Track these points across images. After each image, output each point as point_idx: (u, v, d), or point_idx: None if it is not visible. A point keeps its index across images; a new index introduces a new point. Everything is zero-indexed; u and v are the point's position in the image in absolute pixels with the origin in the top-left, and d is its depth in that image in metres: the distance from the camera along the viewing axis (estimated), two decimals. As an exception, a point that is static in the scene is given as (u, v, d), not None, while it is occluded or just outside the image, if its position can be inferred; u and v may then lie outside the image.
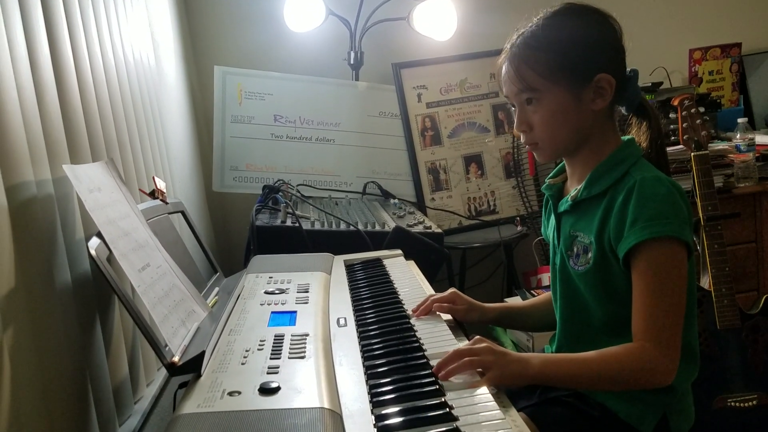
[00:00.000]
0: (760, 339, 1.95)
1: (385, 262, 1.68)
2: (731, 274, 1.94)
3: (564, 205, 1.19)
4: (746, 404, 1.94)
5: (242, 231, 2.48)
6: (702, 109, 2.07)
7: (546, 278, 2.42)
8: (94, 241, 0.95)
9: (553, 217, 1.25)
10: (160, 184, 1.35)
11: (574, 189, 1.18)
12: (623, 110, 1.18)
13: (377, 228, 1.91)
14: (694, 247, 1.12)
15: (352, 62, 2.57)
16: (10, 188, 0.87)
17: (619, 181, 1.10)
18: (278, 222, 1.86)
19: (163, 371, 1.37)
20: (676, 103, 2.02)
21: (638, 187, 1.06)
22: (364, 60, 2.58)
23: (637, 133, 1.17)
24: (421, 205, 2.54)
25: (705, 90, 2.68)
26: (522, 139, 1.21)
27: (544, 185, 1.27)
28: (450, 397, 0.90)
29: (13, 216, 0.87)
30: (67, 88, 1.11)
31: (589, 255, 1.13)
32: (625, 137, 1.18)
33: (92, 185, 1.04)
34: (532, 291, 2.34)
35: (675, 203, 1.05)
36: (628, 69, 1.15)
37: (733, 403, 1.94)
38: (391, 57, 2.64)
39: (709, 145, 2.05)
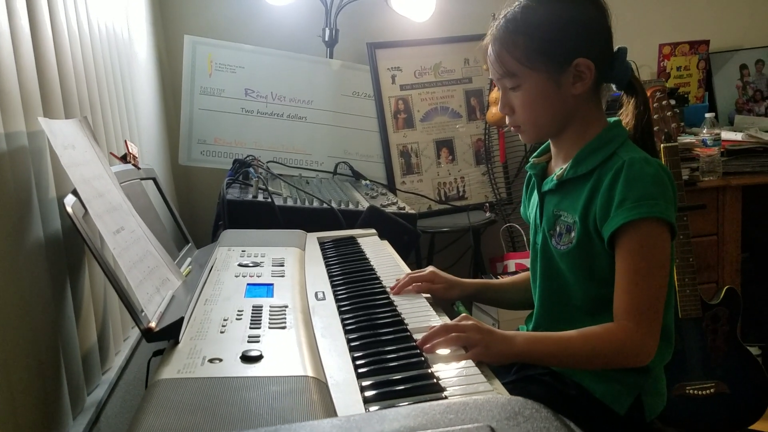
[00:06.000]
0: (719, 329, 2.01)
1: (360, 240, 1.66)
2: (694, 264, 1.98)
3: (548, 184, 1.19)
4: (704, 392, 1.99)
5: (208, 206, 2.43)
6: (673, 102, 2.11)
7: (512, 265, 2.44)
8: (70, 199, 0.91)
9: (535, 196, 1.25)
10: (133, 149, 1.30)
11: (559, 168, 1.18)
12: (614, 87, 1.18)
13: (350, 207, 1.89)
14: (678, 229, 1.13)
15: (326, 39, 2.52)
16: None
17: (607, 161, 1.11)
18: (250, 197, 1.82)
19: (131, 341, 1.33)
20: (648, 94, 2.05)
21: (627, 168, 1.06)
22: (339, 38, 2.54)
23: (626, 111, 1.18)
24: (391, 188, 2.52)
25: (672, 85, 2.73)
26: (507, 120, 1.21)
27: (528, 164, 1.27)
28: (435, 368, 0.89)
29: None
30: (42, 41, 1.05)
31: (572, 234, 1.13)
32: (611, 119, 1.18)
33: (67, 142, 0.99)
34: (498, 277, 2.35)
35: (663, 184, 1.06)
36: (616, 47, 1.15)
37: (691, 391, 1.99)
38: (367, 36, 2.61)
39: (678, 138, 2.09)
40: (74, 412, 1.03)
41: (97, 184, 1.03)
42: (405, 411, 0.54)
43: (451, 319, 1.03)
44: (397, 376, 0.86)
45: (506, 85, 1.16)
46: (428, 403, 0.55)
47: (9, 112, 0.90)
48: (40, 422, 0.90)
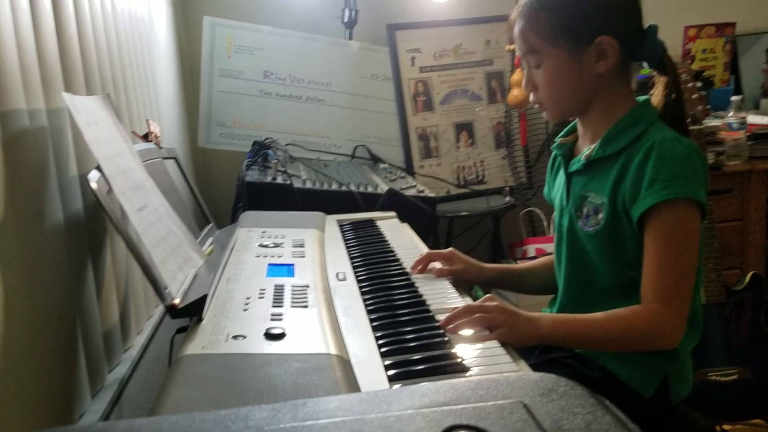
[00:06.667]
0: (743, 315, 1.98)
1: (379, 223, 1.65)
2: (719, 249, 1.95)
3: (576, 164, 1.17)
4: (726, 378, 1.96)
5: (226, 188, 2.43)
6: (699, 84, 2.07)
7: (532, 250, 2.42)
8: (94, 174, 0.90)
9: (561, 177, 1.23)
10: (155, 128, 1.29)
11: (587, 148, 1.15)
12: (646, 65, 1.15)
13: (369, 190, 1.88)
14: (708, 211, 1.11)
15: (345, 20, 2.50)
16: (2, 115, 0.81)
17: (636, 140, 1.08)
18: (269, 179, 1.82)
19: (153, 321, 1.33)
20: (674, 76, 2.01)
21: (657, 147, 1.04)
22: (359, 19, 2.52)
23: (656, 91, 1.15)
24: (410, 172, 2.50)
25: (697, 68, 2.68)
26: (530, 98, 1.19)
27: (554, 144, 1.24)
28: (458, 348, 0.88)
29: (4, 144, 0.81)
30: (63, 19, 1.05)
31: (600, 216, 1.11)
32: (640, 97, 1.15)
33: (90, 118, 0.98)
34: (517, 262, 2.33)
35: (694, 164, 1.04)
36: (646, 25, 1.13)
37: (713, 377, 1.97)
38: (386, 17, 2.58)
39: (704, 121, 2.05)
40: (93, 389, 1.03)
41: (120, 162, 1.02)
42: (434, 386, 0.53)
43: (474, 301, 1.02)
44: (420, 356, 0.86)
45: (530, 62, 1.15)
46: (458, 379, 0.54)
47: (29, 90, 0.90)
48: (57, 399, 0.90)
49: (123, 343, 1.17)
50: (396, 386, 0.78)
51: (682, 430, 1.13)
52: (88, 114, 0.99)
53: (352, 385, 0.75)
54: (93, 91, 1.15)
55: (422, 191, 1.94)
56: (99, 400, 1.04)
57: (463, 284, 1.23)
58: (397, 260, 1.30)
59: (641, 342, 1.04)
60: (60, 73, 1.02)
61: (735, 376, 1.96)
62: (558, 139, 1.25)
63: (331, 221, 1.66)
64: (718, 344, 1.98)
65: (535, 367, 1.15)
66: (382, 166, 2.35)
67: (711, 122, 2.34)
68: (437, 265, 1.23)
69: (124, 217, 0.94)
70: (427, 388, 0.53)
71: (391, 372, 0.81)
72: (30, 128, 0.90)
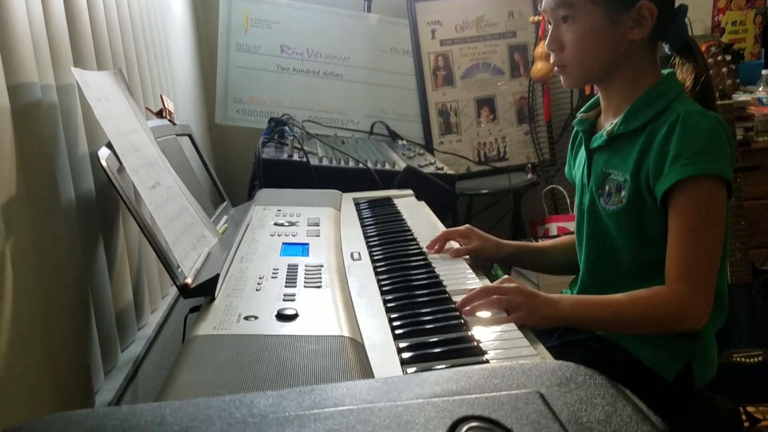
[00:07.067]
0: (771, 295, 1.93)
1: (396, 201, 1.63)
2: (746, 228, 1.89)
3: (598, 140, 1.13)
4: (751, 360, 1.92)
5: (243, 165, 2.41)
6: (728, 57, 2.00)
7: (554, 228, 2.38)
8: (104, 151, 0.89)
9: (582, 154, 1.19)
10: (169, 104, 1.27)
11: (609, 123, 1.11)
12: (667, 48, 1.11)
13: (387, 167, 1.85)
14: (736, 188, 1.06)
15: (364, -8, 2.45)
16: (12, 88, 0.80)
17: (660, 114, 1.04)
18: (285, 156, 1.80)
19: (168, 299, 1.33)
20: (702, 49, 1.94)
21: (682, 122, 0.99)
22: (377, -10, 2.47)
23: (679, 74, 1.10)
24: (429, 148, 2.47)
25: (727, 41, 2.59)
26: (551, 59, 1.14)
27: (576, 119, 1.20)
28: (475, 331, 0.86)
29: (15, 118, 0.80)
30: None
31: (623, 194, 1.07)
32: (666, 71, 1.11)
33: (100, 94, 0.97)
34: (539, 240, 2.29)
35: (719, 139, 0.99)
36: (677, 3, 1.08)
37: (738, 358, 1.93)
38: (406, -12, 2.52)
39: (733, 95, 1.98)
40: (106, 368, 1.03)
41: (132, 138, 1.01)
42: (447, 374, 0.51)
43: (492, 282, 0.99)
44: (435, 339, 0.84)
45: (560, 15, 1.09)
46: (471, 367, 0.52)
47: (39, 65, 0.88)
48: (70, 377, 0.90)
49: (137, 322, 1.16)
50: (410, 370, 0.76)
51: (705, 414, 1.10)
52: (99, 89, 0.97)
53: (365, 369, 0.73)
54: (104, 66, 1.13)
55: (441, 168, 1.90)
56: (113, 378, 1.04)
57: (480, 262, 1.20)
58: (414, 239, 1.28)
59: (665, 324, 1.01)
60: (69, 48, 1.00)
61: (760, 358, 1.92)
62: (579, 114, 1.21)
63: (348, 199, 1.64)
64: (744, 325, 1.94)
65: (555, 350, 1.12)
66: (400, 142, 2.31)
67: (740, 97, 2.27)
68: (455, 244, 1.21)
69: (135, 195, 0.93)
70: (439, 376, 0.51)
71: (406, 355, 0.79)
72: (41, 102, 0.88)
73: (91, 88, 0.93)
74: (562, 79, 1.14)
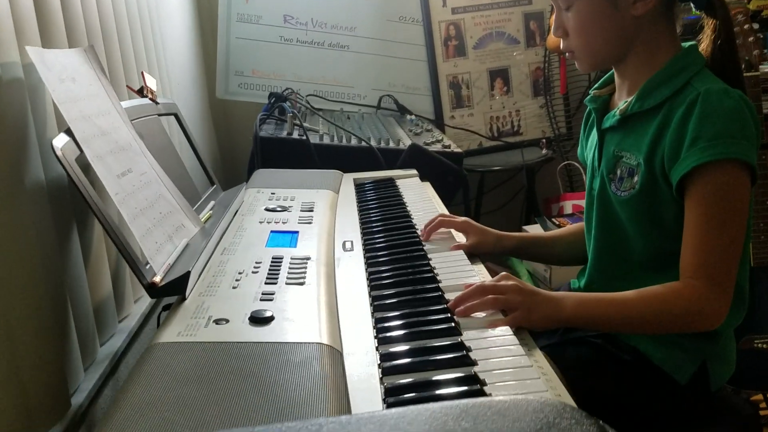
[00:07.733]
0: (796, 279, 1.83)
1: (399, 182, 1.55)
2: (771, 209, 1.79)
3: (610, 120, 1.04)
4: (774, 346, 1.83)
5: (247, 144, 2.33)
6: (756, 26, 1.87)
7: (569, 206, 2.28)
8: (61, 138, 0.82)
9: (594, 134, 1.10)
10: (150, 81, 1.20)
11: (623, 102, 1.02)
12: (694, 7, 1.00)
13: (391, 145, 1.76)
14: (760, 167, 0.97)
15: (371, -41, 2.34)
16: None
17: (679, 92, 0.94)
18: (284, 133, 1.72)
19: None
20: (729, 16, 1.82)
21: (702, 100, 0.90)
22: (385, -45, 2.35)
23: (705, 36, 1.00)
24: (439, 123, 2.37)
25: (755, 8, 2.44)
26: (560, 46, 1.05)
27: (588, 97, 1.11)
28: (467, 336, 0.79)
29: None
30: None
31: (635, 179, 0.98)
32: (686, 44, 1.00)
33: (64, 74, 0.89)
34: (552, 219, 2.20)
35: (743, 120, 0.90)
36: None
37: (759, 345, 1.84)
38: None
39: (760, 66, 1.86)
40: (85, 363, 0.97)
41: (100, 122, 0.93)
42: (411, 414, 0.44)
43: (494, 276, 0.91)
44: (422, 345, 0.76)
45: (560, 4, 1.02)
46: (440, 405, 0.44)
47: (0, 40, 0.80)
48: (45, 374, 0.84)
49: (117, 314, 1.10)
50: (388, 380, 0.69)
51: (722, 419, 1.02)
52: (63, 69, 0.90)
53: (339, 384, 0.66)
54: (77, 41, 1.05)
55: (448, 146, 1.81)
56: (92, 372, 0.99)
57: (484, 258, 1.12)
58: (412, 227, 1.20)
59: (679, 324, 0.93)
60: (35, 22, 0.92)
61: (783, 345, 1.83)
62: (592, 92, 1.11)
63: (348, 180, 1.57)
64: (766, 310, 1.84)
65: (558, 348, 1.05)
66: (409, 117, 2.22)
67: (766, 68, 2.13)
68: (454, 233, 1.13)
69: (97, 185, 0.86)
70: (401, 417, 0.44)
71: (387, 364, 0.72)
72: (5, 82, 0.81)
73: (51, 69, 0.85)
74: (576, 64, 1.06)
